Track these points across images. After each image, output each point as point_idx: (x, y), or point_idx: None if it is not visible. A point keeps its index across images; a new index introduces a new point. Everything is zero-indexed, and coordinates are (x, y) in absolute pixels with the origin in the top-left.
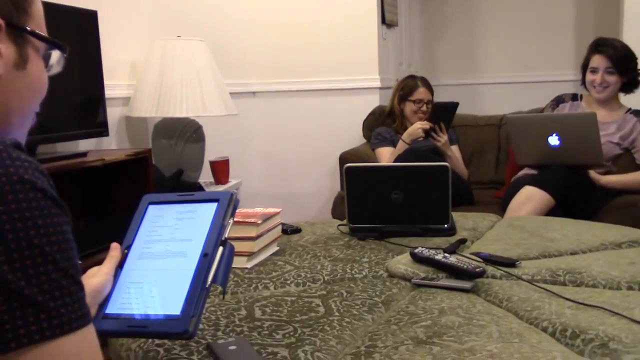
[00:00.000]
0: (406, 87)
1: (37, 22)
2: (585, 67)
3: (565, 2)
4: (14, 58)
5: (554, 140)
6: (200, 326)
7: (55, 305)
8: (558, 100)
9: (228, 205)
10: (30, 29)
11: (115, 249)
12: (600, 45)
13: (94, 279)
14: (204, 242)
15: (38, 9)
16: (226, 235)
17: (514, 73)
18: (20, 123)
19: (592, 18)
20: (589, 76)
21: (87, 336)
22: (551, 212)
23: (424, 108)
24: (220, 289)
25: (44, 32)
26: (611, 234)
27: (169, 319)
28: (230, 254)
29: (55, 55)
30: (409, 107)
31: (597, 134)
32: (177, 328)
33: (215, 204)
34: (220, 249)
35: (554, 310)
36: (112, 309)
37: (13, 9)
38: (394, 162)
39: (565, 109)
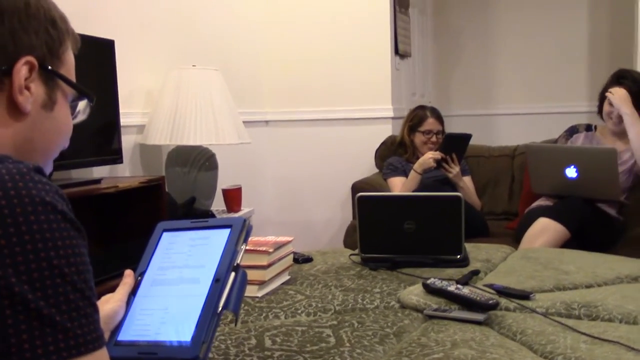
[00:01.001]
0: (415, 118)
1: (68, 70)
2: (603, 95)
3: (579, 34)
4: (43, 98)
5: (571, 172)
6: (210, 355)
7: (72, 325)
8: (572, 131)
9: (241, 231)
10: (61, 74)
11: (128, 276)
12: (621, 77)
13: (107, 305)
14: (216, 268)
15: (70, 59)
16: (239, 261)
17: (528, 104)
18: (43, 164)
19: (605, 49)
20: (607, 107)
21: (102, 358)
22: (566, 244)
23: (434, 139)
24: (231, 316)
25: (73, 80)
26: (627, 267)
27: (179, 345)
28: (243, 279)
29: (82, 103)
30: (418, 138)
31: (616, 170)
32: (188, 354)
33: (228, 230)
34: (233, 274)
35: (569, 344)
36: (124, 336)
37: (47, 52)
38: None
39: (579, 139)
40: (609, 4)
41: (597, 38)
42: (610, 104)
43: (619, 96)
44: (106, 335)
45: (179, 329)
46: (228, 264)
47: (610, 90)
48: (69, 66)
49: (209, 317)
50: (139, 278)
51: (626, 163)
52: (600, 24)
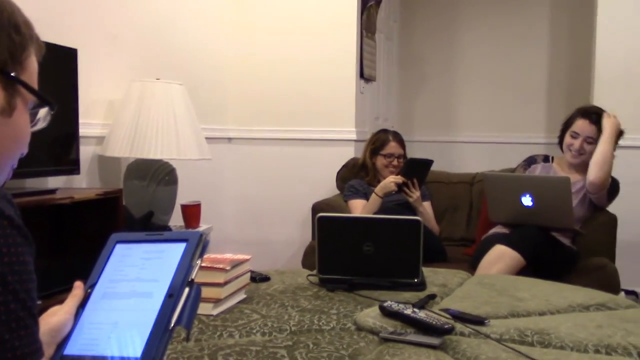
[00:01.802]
0: (378, 141)
1: (30, 77)
2: (566, 127)
3: (539, 69)
4: (2, 104)
5: (527, 200)
6: None
7: (10, 337)
8: (530, 161)
9: (197, 245)
10: (22, 80)
11: (78, 288)
12: (589, 112)
13: (54, 317)
14: (170, 283)
15: (33, 65)
16: (193, 276)
17: (488, 133)
18: None
19: (564, 84)
20: (568, 139)
21: None
22: (521, 272)
23: (395, 162)
24: (184, 334)
25: (35, 87)
26: (579, 296)
27: None
28: (197, 295)
29: (42, 111)
30: (380, 161)
31: (569, 199)
32: None
33: (184, 244)
34: (187, 289)
35: None
36: (71, 349)
37: (8, 57)
38: None
39: (537, 170)
40: (568, 42)
41: (556, 74)
42: (572, 137)
43: (611, 120)
44: (52, 348)
45: (129, 344)
46: (182, 278)
47: (608, 113)
48: (30, 73)
49: (160, 333)
50: (89, 290)
51: (580, 192)
52: (559, 61)
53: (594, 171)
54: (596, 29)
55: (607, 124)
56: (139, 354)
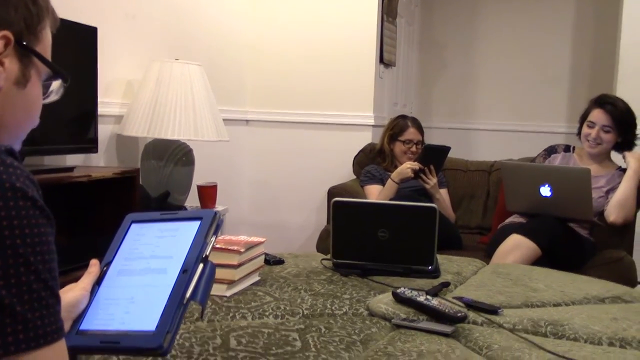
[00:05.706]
0: (396, 127)
1: (45, 49)
2: (583, 118)
3: (561, 56)
4: (16, 75)
5: (545, 190)
6: (173, 352)
7: (33, 317)
8: (550, 151)
9: (211, 223)
10: (37, 52)
11: (93, 265)
12: (603, 102)
13: (70, 293)
14: (184, 259)
15: (47, 37)
16: (207, 253)
17: (507, 121)
18: (11, 141)
19: (587, 73)
20: (585, 129)
21: (59, 350)
22: (537, 262)
23: (414, 148)
24: (197, 314)
25: (49, 59)
26: (595, 288)
27: (143, 334)
28: (211, 272)
29: (56, 83)
30: (398, 147)
31: (589, 190)
32: (151, 343)
33: (198, 222)
34: (201, 265)
35: None
36: (87, 325)
37: (25, 28)
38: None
39: (557, 159)
40: (592, 30)
41: (579, 62)
42: (589, 126)
43: (637, 156)
44: (68, 324)
45: (144, 319)
46: (197, 255)
47: (633, 153)
48: (45, 44)
49: (174, 308)
50: (105, 268)
51: (601, 189)
52: (583, 49)
53: (614, 212)
54: (622, 17)
55: (632, 161)
56: (153, 327)
